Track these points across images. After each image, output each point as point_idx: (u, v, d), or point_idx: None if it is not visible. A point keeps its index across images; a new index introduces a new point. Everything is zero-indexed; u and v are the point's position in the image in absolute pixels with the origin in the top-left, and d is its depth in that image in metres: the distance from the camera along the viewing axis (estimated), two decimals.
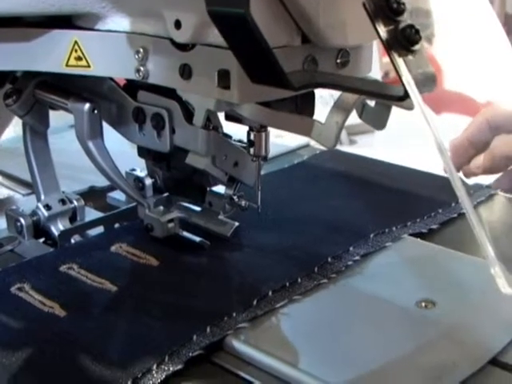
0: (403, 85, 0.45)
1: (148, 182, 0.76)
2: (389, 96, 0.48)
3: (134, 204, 0.72)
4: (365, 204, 0.77)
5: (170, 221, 0.67)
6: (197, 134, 0.60)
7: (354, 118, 0.61)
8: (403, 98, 0.46)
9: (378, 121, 0.60)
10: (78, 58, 0.60)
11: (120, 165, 0.69)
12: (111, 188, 0.80)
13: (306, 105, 0.58)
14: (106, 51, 0.59)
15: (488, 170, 0.61)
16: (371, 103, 0.59)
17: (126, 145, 0.74)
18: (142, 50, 0.56)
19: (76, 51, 0.60)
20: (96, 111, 0.64)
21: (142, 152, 0.69)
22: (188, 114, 0.60)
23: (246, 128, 0.62)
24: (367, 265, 0.65)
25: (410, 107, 0.51)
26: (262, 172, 0.81)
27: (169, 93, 0.60)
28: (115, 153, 0.68)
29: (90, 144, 0.65)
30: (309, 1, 0.50)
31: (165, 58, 0.55)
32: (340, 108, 0.55)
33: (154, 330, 0.56)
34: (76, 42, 0.59)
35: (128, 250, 0.68)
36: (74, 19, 0.60)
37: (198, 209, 0.72)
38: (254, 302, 0.58)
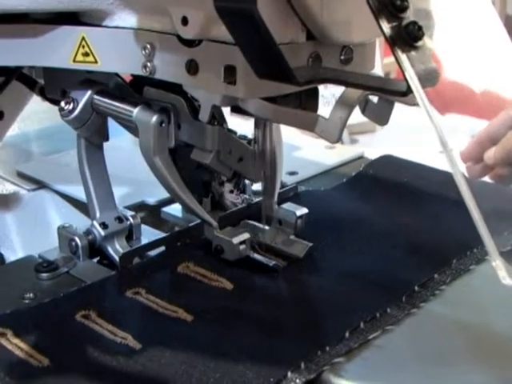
0: (406, 80, 0.46)
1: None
2: (392, 91, 0.49)
3: (197, 222, 0.69)
4: (436, 221, 0.73)
5: (242, 242, 0.64)
6: (202, 129, 0.61)
7: (355, 118, 0.62)
8: (406, 93, 0.47)
9: (380, 117, 0.61)
10: (86, 54, 0.60)
11: (122, 161, 0.68)
12: (163, 203, 0.77)
13: (310, 100, 0.58)
14: (113, 47, 0.59)
15: (499, 161, 0.62)
16: (374, 99, 0.60)
17: (129, 140, 0.75)
18: (148, 45, 0.57)
19: (83, 47, 0.60)
20: (164, 124, 0.60)
21: None
22: (193, 109, 0.61)
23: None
24: (455, 290, 0.62)
25: (413, 103, 0.52)
26: (322, 188, 0.83)
27: (175, 88, 0.61)
28: (116, 148, 0.68)
29: (157, 159, 0.61)
30: None
31: (171, 53, 0.56)
32: (344, 104, 0.56)
33: (240, 365, 0.51)
34: (83, 38, 0.60)
35: (196, 270, 0.64)
36: (82, 16, 0.61)
37: (266, 227, 0.69)
38: (347, 334, 0.55)
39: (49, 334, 0.56)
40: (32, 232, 0.79)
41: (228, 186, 0.67)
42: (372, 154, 0.96)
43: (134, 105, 0.61)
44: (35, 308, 0.59)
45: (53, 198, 0.83)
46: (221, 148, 0.62)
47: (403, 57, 0.45)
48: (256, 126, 0.63)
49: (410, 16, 0.46)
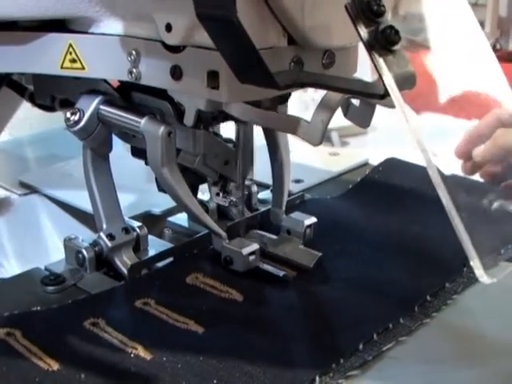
0: (383, 83, 0.47)
1: (212, 205, 0.73)
2: (370, 94, 0.50)
3: (205, 232, 0.69)
4: (446, 227, 0.68)
5: (251, 253, 0.64)
6: (188, 133, 0.62)
7: (345, 120, 0.62)
8: (384, 96, 0.48)
9: (362, 119, 0.61)
10: (73, 61, 0.61)
11: (126, 170, 0.69)
12: (169, 212, 0.77)
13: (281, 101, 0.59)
14: (99, 54, 0.60)
15: (487, 159, 0.63)
16: (356, 102, 0.61)
17: (120, 146, 0.76)
18: (134, 52, 0.58)
19: (71, 54, 0.61)
20: (172, 135, 0.59)
21: (136, 152, 0.70)
22: (180, 114, 0.62)
23: None
24: (467, 299, 0.62)
25: (392, 105, 0.53)
26: (328, 196, 0.82)
27: (161, 93, 0.61)
28: (119, 157, 0.68)
29: (165, 170, 0.60)
30: (293, 3, 0.52)
31: (156, 59, 0.57)
32: (325, 107, 0.57)
33: (254, 379, 0.51)
34: (71, 45, 0.61)
35: (205, 281, 0.64)
36: (69, 23, 0.62)
37: (274, 237, 0.70)
38: (361, 347, 0.55)
39: (58, 338, 0.56)
40: (23, 236, 0.80)
41: (214, 189, 0.68)
42: (363, 156, 0.96)
43: (141, 115, 0.61)
44: (44, 312, 0.59)
45: (44, 202, 0.84)
46: (207, 152, 0.63)
47: (380, 61, 0.47)
48: (238, 128, 0.64)
49: (387, 20, 0.48)
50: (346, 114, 0.61)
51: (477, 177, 0.89)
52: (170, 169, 0.60)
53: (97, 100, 0.63)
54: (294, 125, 0.57)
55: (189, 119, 0.60)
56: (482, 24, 2.49)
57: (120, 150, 0.73)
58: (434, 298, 0.61)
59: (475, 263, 0.49)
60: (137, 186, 0.83)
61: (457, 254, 0.64)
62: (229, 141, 0.67)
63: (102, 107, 0.63)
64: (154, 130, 0.59)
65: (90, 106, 0.63)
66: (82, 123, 0.63)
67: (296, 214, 0.70)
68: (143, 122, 0.60)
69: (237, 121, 0.63)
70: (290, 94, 0.60)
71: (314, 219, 0.69)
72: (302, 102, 1.12)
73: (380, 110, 0.61)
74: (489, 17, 2.69)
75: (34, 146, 1.00)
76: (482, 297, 0.63)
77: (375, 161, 0.93)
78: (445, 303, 0.61)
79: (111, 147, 0.66)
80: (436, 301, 0.61)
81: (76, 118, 0.63)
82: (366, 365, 0.54)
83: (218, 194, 0.68)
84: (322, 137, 0.56)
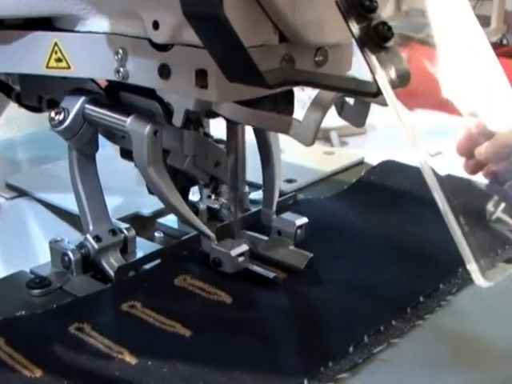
0: (376, 81, 0.45)
1: (203, 206, 0.71)
2: (363, 92, 0.48)
3: (194, 233, 0.67)
4: (440, 228, 0.70)
5: (240, 254, 0.63)
6: (177, 134, 0.61)
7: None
8: (377, 94, 0.46)
9: (357, 118, 0.60)
10: (58, 60, 0.60)
11: (115, 171, 0.67)
12: (158, 214, 0.76)
13: (285, 104, 0.58)
14: (85, 52, 0.59)
15: (490, 157, 0.62)
16: (350, 101, 0.60)
17: (110, 147, 0.75)
18: (121, 50, 0.56)
19: (56, 53, 0.60)
20: (158, 134, 0.58)
21: (125, 153, 0.69)
22: (169, 114, 0.60)
23: None
24: (461, 301, 0.61)
25: (386, 103, 0.52)
26: (322, 196, 0.81)
27: (149, 93, 0.60)
28: (108, 159, 0.67)
29: (151, 170, 0.59)
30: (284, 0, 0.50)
31: (144, 58, 0.55)
32: (318, 106, 0.56)
33: (241, 383, 0.50)
34: (56, 44, 0.60)
35: (194, 283, 0.63)
36: (54, 21, 0.60)
37: (265, 238, 0.68)
38: (351, 349, 0.54)
39: (42, 344, 0.55)
40: (10, 240, 0.78)
41: (206, 192, 0.67)
42: (363, 156, 0.95)
43: (127, 114, 0.59)
44: (28, 318, 0.58)
45: (32, 206, 0.83)
46: (196, 153, 0.62)
47: (372, 57, 0.45)
48: (228, 128, 0.62)
49: (379, 16, 0.46)
50: (340, 113, 0.60)
51: (475, 177, 0.89)
52: (157, 168, 0.59)
53: (82, 99, 0.62)
54: (285, 125, 0.56)
55: (177, 119, 0.58)
56: (488, 19, 2.44)
57: (110, 151, 0.71)
58: (428, 300, 0.60)
59: (472, 267, 0.48)
60: (127, 188, 0.81)
61: (451, 255, 0.63)
62: (220, 141, 0.65)
63: (87, 106, 0.62)
64: (139, 128, 0.58)
65: (74, 105, 0.62)
66: (67, 123, 0.61)
67: (287, 215, 0.69)
68: (129, 121, 0.59)
69: (227, 121, 0.61)
70: (292, 93, 0.57)
71: (305, 220, 0.68)
72: (300, 101, 1.11)
73: (380, 110, 0.60)
74: (495, 12, 2.64)
75: (21, 148, 0.99)
76: (477, 298, 0.62)
77: (374, 160, 0.91)
78: (438, 305, 0.60)
79: (97, 147, 0.65)
80: (429, 302, 0.60)
81: (61, 117, 0.62)
82: (356, 368, 0.53)
83: (209, 197, 0.67)
84: (314, 137, 0.54)
